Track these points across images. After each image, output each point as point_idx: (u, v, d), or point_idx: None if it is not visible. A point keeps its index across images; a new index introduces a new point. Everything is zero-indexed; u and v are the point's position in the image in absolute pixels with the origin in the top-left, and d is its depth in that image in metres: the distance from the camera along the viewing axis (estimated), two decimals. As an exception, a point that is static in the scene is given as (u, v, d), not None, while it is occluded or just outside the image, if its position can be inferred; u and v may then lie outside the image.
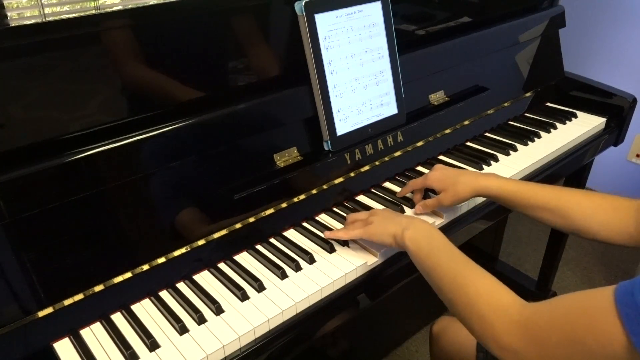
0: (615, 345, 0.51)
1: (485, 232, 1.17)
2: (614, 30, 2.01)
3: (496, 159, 1.18)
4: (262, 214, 0.93)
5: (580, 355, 0.55)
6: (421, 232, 0.81)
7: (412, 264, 0.93)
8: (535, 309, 0.61)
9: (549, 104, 1.47)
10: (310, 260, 0.88)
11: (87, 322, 0.78)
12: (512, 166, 1.16)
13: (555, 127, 1.34)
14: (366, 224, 0.88)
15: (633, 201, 0.82)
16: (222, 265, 0.89)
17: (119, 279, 0.80)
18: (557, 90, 1.49)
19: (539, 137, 1.29)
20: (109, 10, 1.24)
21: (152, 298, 0.82)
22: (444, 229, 0.99)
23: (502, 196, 0.91)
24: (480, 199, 1.05)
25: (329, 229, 0.95)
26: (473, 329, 0.67)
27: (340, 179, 1.03)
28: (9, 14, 1.21)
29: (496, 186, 0.91)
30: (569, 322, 0.56)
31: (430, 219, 0.98)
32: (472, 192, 0.93)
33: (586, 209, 0.84)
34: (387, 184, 1.11)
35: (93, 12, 1.34)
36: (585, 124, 1.35)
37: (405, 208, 1.01)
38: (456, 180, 0.94)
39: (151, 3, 1.10)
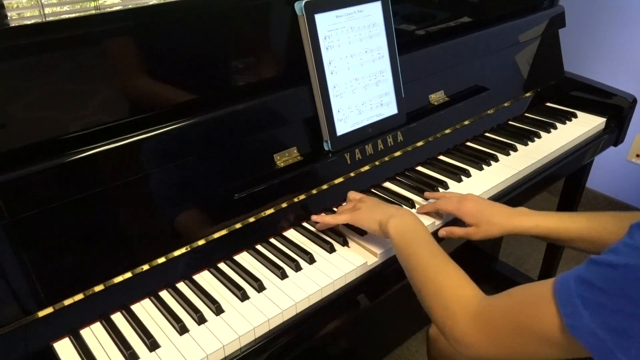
0: (552, 329, 0.55)
1: (485, 232, 1.17)
2: (614, 30, 2.01)
3: (496, 159, 1.18)
4: (262, 214, 0.93)
5: (528, 343, 0.58)
6: (406, 223, 0.83)
7: (412, 264, 0.93)
8: (491, 301, 0.65)
9: (549, 104, 1.47)
10: (310, 260, 0.88)
11: (87, 322, 0.78)
12: (512, 166, 1.16)
13: (555, 127, 1.34)
14: (354, 209, 0.90)
15: None
16: (222, 265, 0.89)
17: (119, 279, 0.80)
18: (557, 90, 1.49)
19: (539, 137, 1.29)
20: (109, 10, 1.24)
21: (152, 298, 0.82)
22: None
23: (535, 233, 0.89)
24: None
25: (330, 229, 0.95)
26: (435, 318, 0.71)
27: (340, 179, 1.03)
28: (9, 14, 1.21)
29: (530, 226, 0.89)
30: (517, 312, 0.60)
31: (427, 221, 0.98)
32: (504, 232, 0.91)
33: (620, 234, 0.82)
34: (387, 184, 1.11)
35: (93, 12, 1.34)
36: (585, 124, 1.35)
37: (406, 208, 1.01)
38: (489, 220, 0.91)
39: (151, 3, 1.10)
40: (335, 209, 1.02)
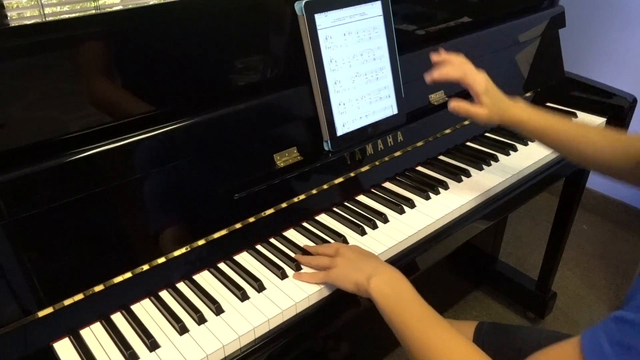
0: None
1: (485, 232, 1.17)
2: (614, 30, 2.01)
3: (496, 159, 1.18)
4: (262, 214, 0.93)
5: None
6: (387, 282, 0.75)
7: (412, 264, 0.93)
8: None
9: (549, 104, 1.47)
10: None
11: (87, 322, 0.78)
12: (512, 166, 1.16)
13: (555, 127, 1.33)
14: (331, 264, 0.82)
15: None
16: (222, 265, 0.89)
17: (119, 279, 0.80)
18: (557, 90, 1.49)
19: (539, 137, 1.29)
20: (109, 10, 1.24)
21: (152, 298, 0.82)
22: (445, 227, 0.99)
23: (527, 127, 0.93)
24: (480, 200, 1.06)
25: (329, 229, 0.95)
26: None
27: (340, 179, 1.03)
28: (9, 14, 1.21)
29: (526, 119, 0.92)
30: None
31: (433, 214, 0.98)
32: (501, 122, 0.94)
33: (602, 149, 0.87)
34: (387, 184, 1.11)
35: (93, 12, 1.34)
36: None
37: (406, 208, 1.01)
38: (493, 104, 0.93)
39: (151, 3, 1.10)
40: (335, 209, 1.02)
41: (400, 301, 0.73)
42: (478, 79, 0.92)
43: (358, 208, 1.02)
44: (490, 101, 0.92)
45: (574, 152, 0.89)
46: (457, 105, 0.93)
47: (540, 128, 0.91)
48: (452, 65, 0.95)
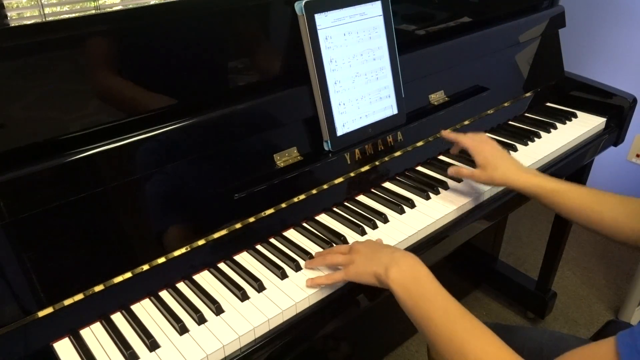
0: None
1: (485, 232, 1.17)
2: (614, 30, 2.01)
3: (496, 159, 1.18)
4: (262, 214, 0.93)
5: None
6: (406, 273, 0.74)
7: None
8: None
9: (549, 104, 1.47)
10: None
11: (87, 322, 0.78)
12: (512, 166, 1.16)
13: (555, 127, 1.34)
14: (347, 262, 0.81)
15: None
16: (222, 265, 0.89)
17: (119, 279, 0.80)
18: (557, 90, 1.49)
19: (539, 137, 1.29)
20: (109, 10, 1.25)
21: (152, 298, 0.82)
22: (445, 227, 0.99)
23: (537, 194, 0.91)
24: (481, 200, 1.06)
25: (329, 229, 0.95)
26: None
27: (340, 179, 1.03)
28: (9, 14, 1.21)
29: (532, 183, 0.91)
30: None
31: (433, 214, 0.98)
32: (505, 182, 0.94)
33: (619, 215, 0.84)
34: (387, 184, 1.11)
35: (93, 12, 1.34)
36: (585, 124, 1.35)
37: (406, 208, 1.01)
38: (497, 165, 0.94)
39: (151, 3, 1.10)
40: (335, 209, 1.02)
41: (423, 296, 0.72)
42: (479, 150, 0.97)
43: (358, 208, 1.02)
44: (490, 167, 0.95)
45: (589, 223, 0.87)
46: (456, 171, 1.00)
47: (550, 193, 0.90)
48: (468, 136, 1.02)
